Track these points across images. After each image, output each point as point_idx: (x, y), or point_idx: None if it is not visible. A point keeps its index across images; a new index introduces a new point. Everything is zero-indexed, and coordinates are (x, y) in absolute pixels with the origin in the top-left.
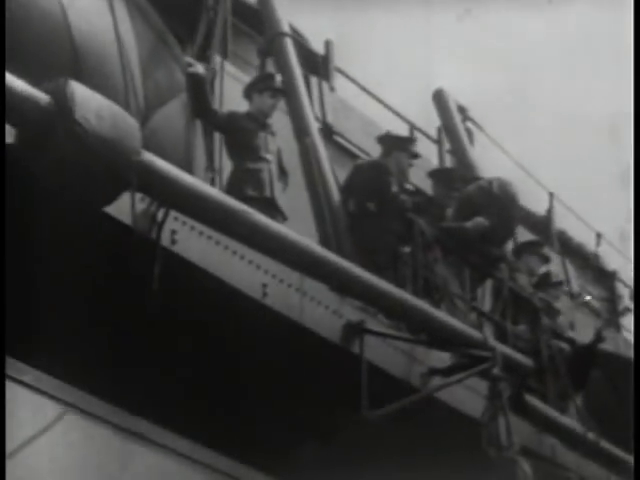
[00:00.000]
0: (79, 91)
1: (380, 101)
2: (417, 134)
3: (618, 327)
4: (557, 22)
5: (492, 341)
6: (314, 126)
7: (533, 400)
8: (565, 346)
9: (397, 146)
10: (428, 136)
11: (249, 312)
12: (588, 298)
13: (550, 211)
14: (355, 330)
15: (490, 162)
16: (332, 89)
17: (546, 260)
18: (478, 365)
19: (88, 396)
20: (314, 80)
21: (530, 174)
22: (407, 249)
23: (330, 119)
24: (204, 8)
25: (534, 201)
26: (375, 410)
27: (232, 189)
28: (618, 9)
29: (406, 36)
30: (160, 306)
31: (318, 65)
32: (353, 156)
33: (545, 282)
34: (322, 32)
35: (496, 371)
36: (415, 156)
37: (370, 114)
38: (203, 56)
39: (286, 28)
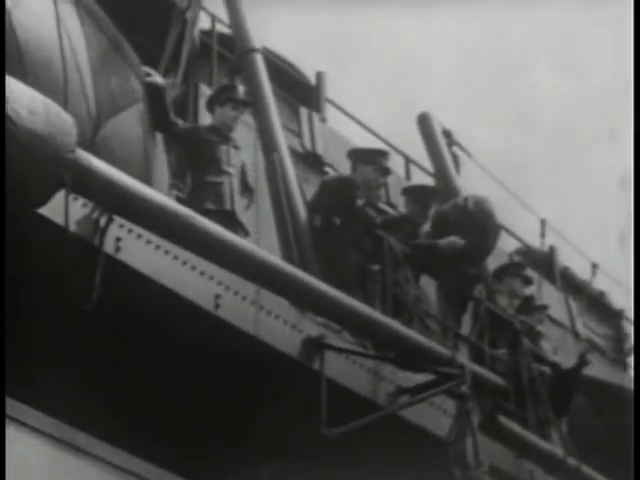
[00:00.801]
0: (10, 85)
1: (373, 132)
2: (413, 167)
3: (625, 366)
4: (553, 19)
5: (461, 358)
6: (283, 142)
7: (508, 422)
8: (546, 369)
9: (361, 160)
10: (424, 169)
11: (201, 324)
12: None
13: (543, 238)
14: (315, 345)
15: (479, 188)
16: (323, 120)
17: (528, 282)
18: (447, 383)
19: (22, 405)
20: (304, 111)
21: (521, 200)
22: (376, 267)
23: (320, 150)
24: (172, 25)
25: (525, 227)
26: (335, 428)
27: (192, 203)
28: (619, 9)
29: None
30: (103, 316)
31: (309, 96)
32: None
33: (528, 305)
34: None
35: (464, 389)
36: (385, 170)
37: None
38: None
39: (256, 44)
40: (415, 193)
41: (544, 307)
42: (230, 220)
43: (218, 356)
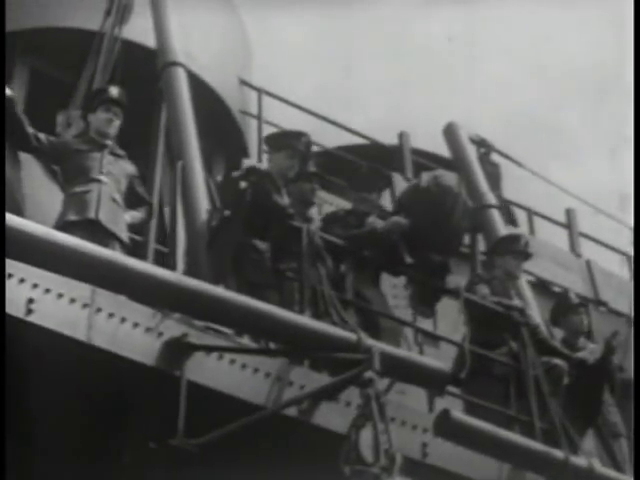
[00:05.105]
0: None
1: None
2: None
3: None
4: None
5: (368, 341)
6: (195, 151)
7: (463, 417)
8: (560, 362)
9: (273, 148)
10: (553, 221)
11: (13, 336)
12: None
13: None
14: (177, 348)
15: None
16: (408, 180)
17: (525, 257)
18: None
19: None
20: None
21: (596, 207)
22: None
23: None
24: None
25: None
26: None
27: (58, 218)
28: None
29: None
30: None
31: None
32: None
33: (565, 306)
34: None
35: (369, 374)
36: (301, 154)
37: None
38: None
39: (178, 58)
40: (352, 179)
41: (583, 304)
42: (94, 229)
43: (44, 370)
